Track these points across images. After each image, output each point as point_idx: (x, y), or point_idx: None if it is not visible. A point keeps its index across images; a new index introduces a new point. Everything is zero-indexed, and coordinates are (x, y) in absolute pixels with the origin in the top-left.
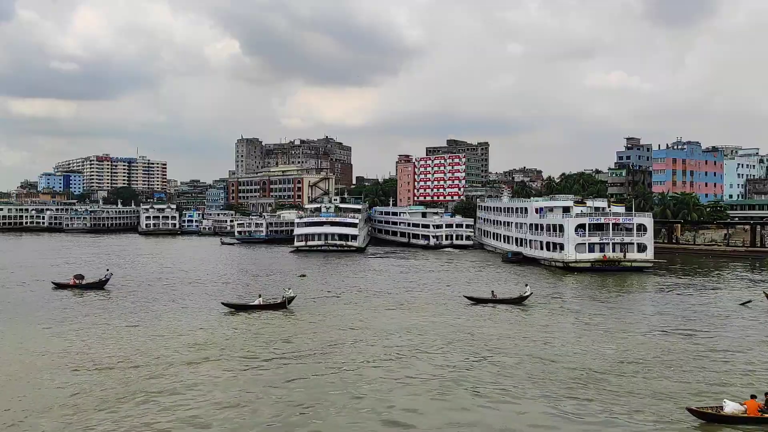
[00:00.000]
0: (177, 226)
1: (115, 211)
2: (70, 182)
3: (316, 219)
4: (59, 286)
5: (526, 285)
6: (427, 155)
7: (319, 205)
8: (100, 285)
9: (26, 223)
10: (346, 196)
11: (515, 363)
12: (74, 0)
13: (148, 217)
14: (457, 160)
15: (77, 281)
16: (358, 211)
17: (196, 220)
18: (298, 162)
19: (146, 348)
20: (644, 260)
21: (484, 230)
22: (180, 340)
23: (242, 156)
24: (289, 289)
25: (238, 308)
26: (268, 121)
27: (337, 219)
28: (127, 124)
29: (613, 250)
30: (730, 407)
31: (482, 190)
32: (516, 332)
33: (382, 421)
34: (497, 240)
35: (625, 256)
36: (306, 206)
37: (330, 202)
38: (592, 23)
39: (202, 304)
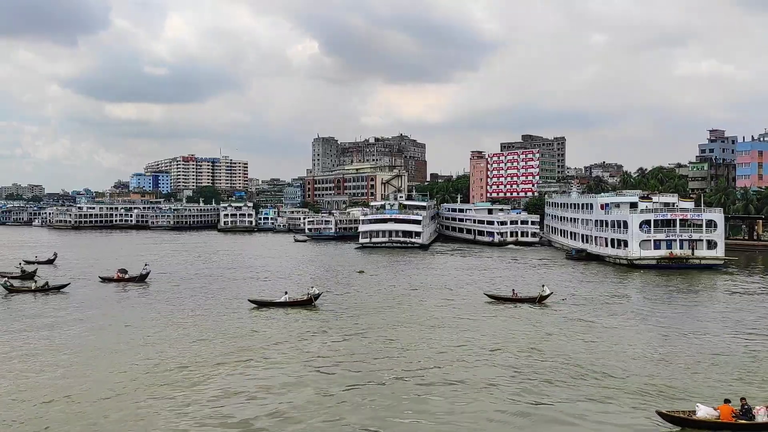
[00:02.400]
0: (253, 223)
1: (197, 210)
2: (159, 182)
3: (380, 216)
4: (105, 279)
5: (543, 285)
6: (501, 151)
7: (383, 203)
8: (141, 279)
9: (116, 220)
10: (412, 193)
11: (556, 363)
12: (165, 7)
13: (226, 215)
14: (530, 156)
15: (121, 275)
16: (423, 208)
17: (271, 218)
18: (373, 160)
19: (166, 343)
20: (714, 257)
21: (552, 227)
22: (204, 336)
23: (318, 155)
24: (313, 287)
25: (263, 305)
26: (348, 119)
27: (401, 216)
28: (213, 125)
29: (681, 247)
30: (703, 412)
31: (556, 186)
32: (563, 332)
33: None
34: (564, 237)
35: (693, 253)
36: (371, 204)
37: (395, 199)
38: (682, 10)
39: (233, 299)
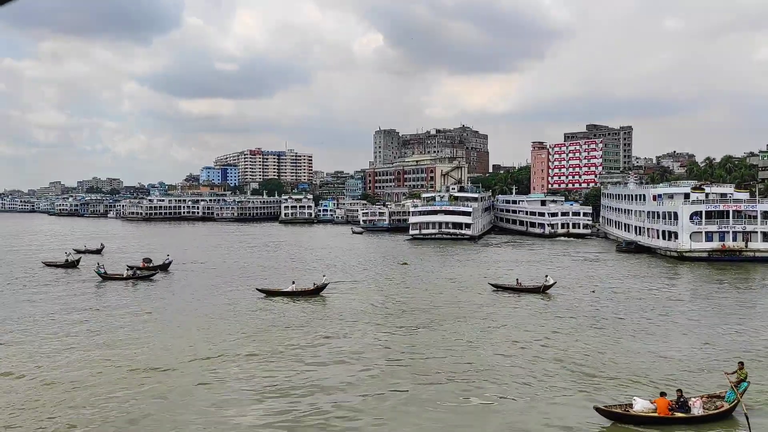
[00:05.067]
0: (313, 215)
1: (260, 202)
2: (227, 175)
3: (430, 208)
4: (131, 268)
5: (546, 276)
6: (564, 141)
7: (434, 194)
8: (164, 268)
9: (184, 212)
10: (465, 184)
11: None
12: (234, 4)
13: (287, 207)
14: (593, 146)
15: (146, 264)
16: (474, 199)
17: (330, 210)
18: (434, 151)
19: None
20: None
21: (607, 218)
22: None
23: (380, 147)
24: (324, 276)
25: (271, 294)
26: (412, 111)
27: (451, 207)
28: (281, 119)
29: (734, 239)
30: (640, 405)
31: (619, 177)
32: (571, 327)
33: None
34: (618, 228)
35: (746, 246)
36: (423, 195)
37: (447, 190)
38: None
39: (248, 289)
